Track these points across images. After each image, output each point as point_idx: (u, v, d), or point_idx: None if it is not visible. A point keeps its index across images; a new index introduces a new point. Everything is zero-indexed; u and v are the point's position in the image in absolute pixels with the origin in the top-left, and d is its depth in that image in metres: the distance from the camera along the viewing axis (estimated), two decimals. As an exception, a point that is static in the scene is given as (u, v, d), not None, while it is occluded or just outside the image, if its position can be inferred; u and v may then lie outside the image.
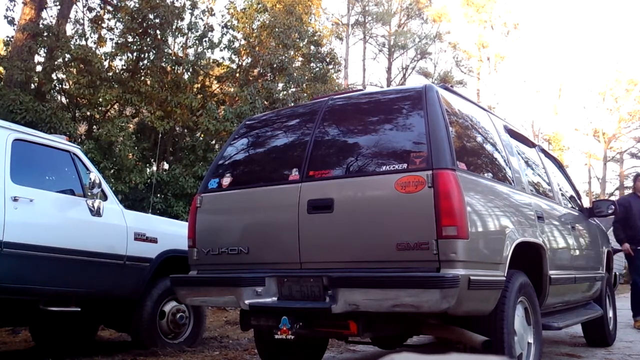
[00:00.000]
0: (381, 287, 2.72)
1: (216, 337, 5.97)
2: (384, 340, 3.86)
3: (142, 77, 11.56)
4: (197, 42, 12.18)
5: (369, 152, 3.13)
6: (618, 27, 51.56)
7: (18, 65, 9.87)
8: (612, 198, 32.78)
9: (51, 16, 12.03)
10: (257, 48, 12.56)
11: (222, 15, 13.53)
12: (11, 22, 11.54)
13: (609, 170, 37.69)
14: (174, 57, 11.63)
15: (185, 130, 12.28)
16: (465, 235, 2.68)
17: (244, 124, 4.02)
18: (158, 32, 11.18)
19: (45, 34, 10.73)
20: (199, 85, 12.59)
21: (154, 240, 4.81)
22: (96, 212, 4.38)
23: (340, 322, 2.95)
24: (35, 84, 10.86)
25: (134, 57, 11.62)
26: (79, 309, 4.34)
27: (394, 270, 2.74)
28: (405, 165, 2.87)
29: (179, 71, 11.94)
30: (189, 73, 11.95)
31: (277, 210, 3.27)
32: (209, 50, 12.28)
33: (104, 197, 4.56)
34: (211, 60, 12.63)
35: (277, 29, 12.46)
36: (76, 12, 12.54)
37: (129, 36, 11.33)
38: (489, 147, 3.60)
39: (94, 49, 11.58)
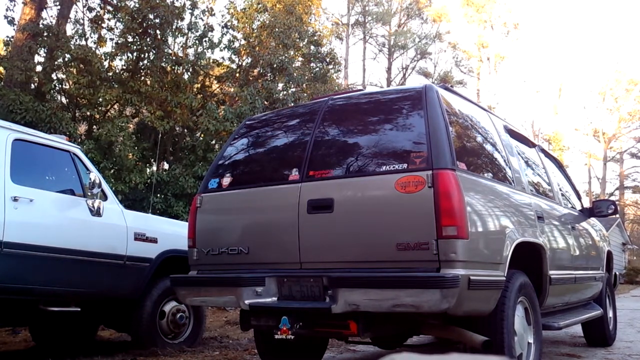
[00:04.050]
0: (381, 287, 2.72)
1: (216, 337, 5.97)
2: (384, 340, 3.86)
3: (142, 77, 11.56)
4: (197, 42, 12.18)
5: (369, 152, 3.13)
6: (618, 27, 51.58)
7: (18, 65, 9.87)
8: (612, 198, 32.82)
9: (51, 16, 12.04)
10: (257, 48, 12.56)
11: (222, 15, 13.56)
12: (11, 22, 11.53)
13: (609, 170, 37.76)
14: (174, 57, 11.63)
15: (185, 130, 12.27)
16: (465, 235, 2.68)
17: (244, 124, 4.02)
18: (158, 32, 11.18)
19: (45, 34, 10.73)
20: (199, 85, 12.60)
21: (154, 240, 4.81)
22: (96, 212, 4.38)
23: (340, 322, 2.95)
24: (35, 84, 10.86)
25: (134, 57, 11.62)
26: (79, 309, 4.34)
27: (394, 270, 2.74)
28: (405, 165, 2.87)
29: (179, 71, 11.94)
30: (189, 73, 11.96)
31: (277, 210, 3.27)
32: (209, 50, 12.28)
33: (104, 197, 4.56)
34: (211, 60, 12.64)
35: (277, 29, 12.46)
36: (76, 12, 12.54)
37: (129, 36, 11.32)
38: (489, 147, 3.60)
39: (94, 49, 11.57)
